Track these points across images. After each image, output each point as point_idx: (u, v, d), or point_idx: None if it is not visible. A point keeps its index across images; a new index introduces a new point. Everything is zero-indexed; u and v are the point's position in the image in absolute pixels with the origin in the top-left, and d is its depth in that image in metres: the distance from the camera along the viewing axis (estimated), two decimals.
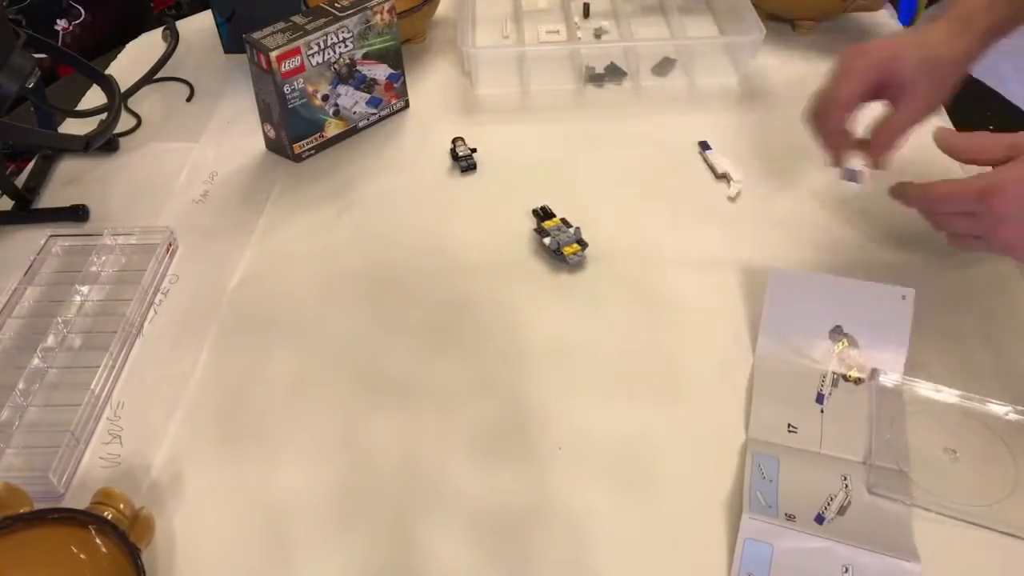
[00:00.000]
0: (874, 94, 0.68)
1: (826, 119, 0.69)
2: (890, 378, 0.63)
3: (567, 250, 0.74)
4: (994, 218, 0.59)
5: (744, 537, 0.54)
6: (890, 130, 0.68)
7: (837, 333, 0.65)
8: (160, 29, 1.10)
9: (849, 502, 0.56)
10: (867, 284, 0.66)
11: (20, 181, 0.87)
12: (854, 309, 0.65)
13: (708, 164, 0.84)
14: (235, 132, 0.93)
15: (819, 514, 0.56)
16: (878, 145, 0.68)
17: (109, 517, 0.54)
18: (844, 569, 0.53)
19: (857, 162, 0.69)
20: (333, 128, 0.90)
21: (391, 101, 0.94)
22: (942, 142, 0.65)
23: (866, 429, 0.61)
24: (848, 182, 0.69)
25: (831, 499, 0.56)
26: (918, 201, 0.66)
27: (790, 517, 0.55)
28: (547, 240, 0.74)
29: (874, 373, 0.63)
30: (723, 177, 0.82)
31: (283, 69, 0.82)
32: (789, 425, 0.61)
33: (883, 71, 0.67)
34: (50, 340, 0.70)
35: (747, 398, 0.64)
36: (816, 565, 0.53)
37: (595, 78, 0.98)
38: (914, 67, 0.66)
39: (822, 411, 0.62)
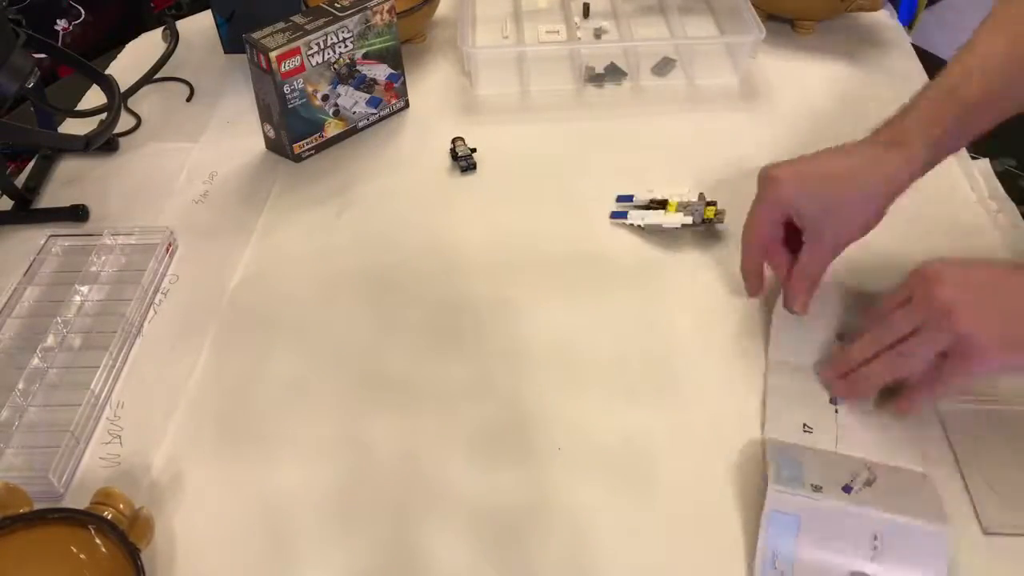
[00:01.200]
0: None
1: (742, 253, 0.68)
2: None
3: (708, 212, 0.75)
4: (941, 306, 0.55)
5: (771, 509, 0.54)
6: (800, 276, 0.65)
7: (846, 336, 0.66)
8: (160, 29, 1.10)
9: (875, 477, 0.56)
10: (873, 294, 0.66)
11: (20, 181, 0.87)
12: (859, 312, 0.65)
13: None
14: (235, 132, 0.93)
15: (847, 485, 0.55)
16: (794, 292, 0.66)
17: (109, 517, 0.54)
18: (873, 536, 0.52)
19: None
20: (333, 128, 0.90)
21: (391, 101, 0.94)
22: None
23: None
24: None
25: (856, 474, 0.56)
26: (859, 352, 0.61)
27: (816, 488, 0.54)
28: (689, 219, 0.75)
29: None
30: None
31: (283, 69, 0.82)
32: (804, 425, 0.61)
33: (784, 210, 0.64)
34: (50, 340, 0.70)
35: (747, 398, 0.64)
36: (845, 533, 0.52)
37: (595, 78, 0.98)
38: (815, 213, 0.63)
39: (836, 411, 0.62)
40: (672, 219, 0.75)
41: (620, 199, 0.76)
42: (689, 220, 0.75)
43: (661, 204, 0.78)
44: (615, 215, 0.73)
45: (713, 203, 0.77)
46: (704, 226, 0.75)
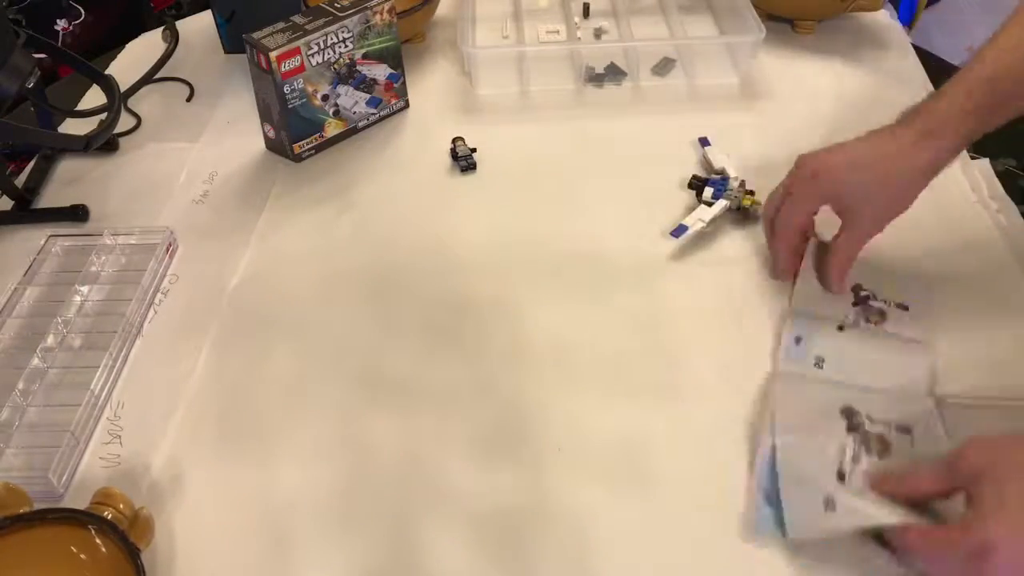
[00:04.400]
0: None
1: (776, 240, 0.69)
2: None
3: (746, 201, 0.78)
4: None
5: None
6: (838, 258, 0.67)
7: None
8: (160, 29, 1.10)
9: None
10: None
11: (20, 181, 0.87)
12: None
13: (706, 160, 0.84)
14: (235, 132, 0.93)
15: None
16: (831, 275, 0.68)
17: (109, 517, 0.54)
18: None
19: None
20: (333, 128, 0.90)
21: (391, 101, 0.94)
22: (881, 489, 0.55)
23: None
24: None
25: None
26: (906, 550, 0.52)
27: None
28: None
29: None
30: (719, 174, 0.81)
31: (283, 69, 0.82)
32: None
33: (826, 199, 0.66)
34: (50, 340, 0.70)
35: (747, 397, 0.64)
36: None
37: (595, 78, 0.98)
38: (856, 194, 0.65)
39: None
40: (715, 206, 0.76)
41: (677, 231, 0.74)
42: (730, 205, 0.77)
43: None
44: (677, 232, 0.74)
45: (751, 192, 0.78)
46: (739, 212, 0.78)
